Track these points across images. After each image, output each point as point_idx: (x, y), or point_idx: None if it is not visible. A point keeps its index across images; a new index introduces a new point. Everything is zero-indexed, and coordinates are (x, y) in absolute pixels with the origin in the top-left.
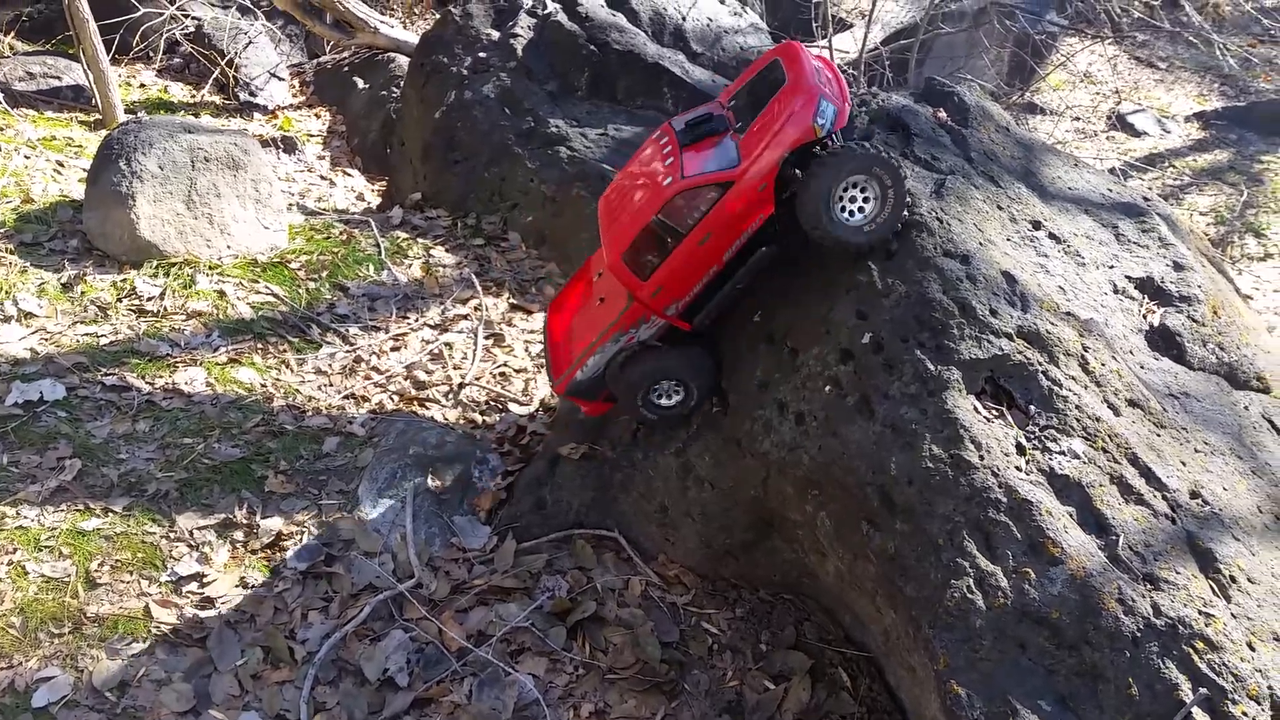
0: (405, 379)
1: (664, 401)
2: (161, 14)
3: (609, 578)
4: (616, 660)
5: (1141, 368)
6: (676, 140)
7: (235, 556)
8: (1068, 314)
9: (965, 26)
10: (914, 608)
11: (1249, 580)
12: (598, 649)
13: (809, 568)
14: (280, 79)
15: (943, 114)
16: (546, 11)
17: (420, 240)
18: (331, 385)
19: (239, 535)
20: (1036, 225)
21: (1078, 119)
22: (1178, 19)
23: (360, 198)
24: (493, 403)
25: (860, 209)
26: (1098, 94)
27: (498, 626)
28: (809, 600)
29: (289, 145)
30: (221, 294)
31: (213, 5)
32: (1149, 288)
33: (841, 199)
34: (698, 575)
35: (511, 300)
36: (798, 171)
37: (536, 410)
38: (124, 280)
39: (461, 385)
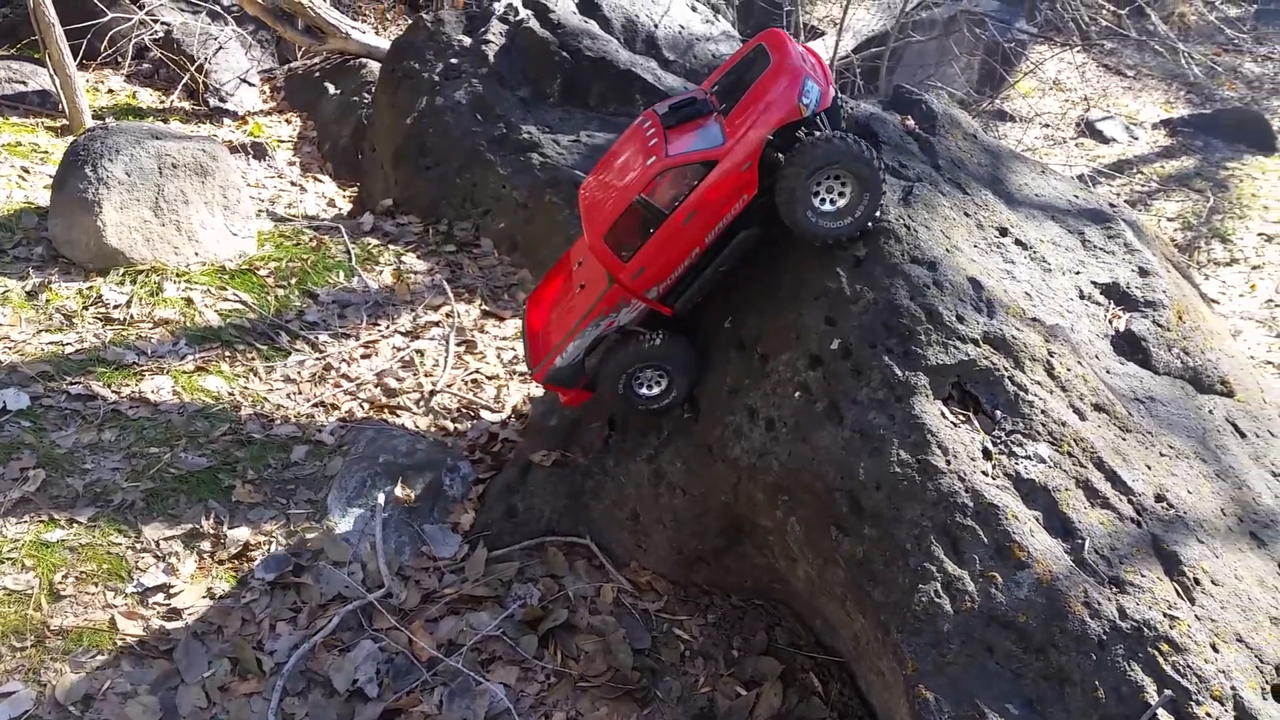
0: (376, 386)
1: (646, 391)
2: (130, 19)
3: (581, 585)
4: (588, 668)
5: (1107, 372)
6: (660, 123)
7: (202, 567)
8: (1034, 320)
9: (936, 35)
10: (882, 612)
11: (1213, 582)
12: (569, 657)
13: (780, 573)
14: (251, 84)
15: (910, 121)
16: (519, 18)
17: (391, 246)
18: (300, 393)
19: (206, 545)
20: (1003, 232)
21: (1047, 126)
22: (1144, 28)
23: (331, 204)
24: (464, 410)
25: (835, 200)
26: (1067, 101)
27: (469, 635)
28: (780, 606)
29: (259, 151)
30: (189, 301)
31: (182, 10)
32: (1115, 293)
33: (818, 190)
34: (670, 581)
35: (484, 307)
36: (780, 155)
37: (509, 417)
38: (90, 288)
39: (433, 392)
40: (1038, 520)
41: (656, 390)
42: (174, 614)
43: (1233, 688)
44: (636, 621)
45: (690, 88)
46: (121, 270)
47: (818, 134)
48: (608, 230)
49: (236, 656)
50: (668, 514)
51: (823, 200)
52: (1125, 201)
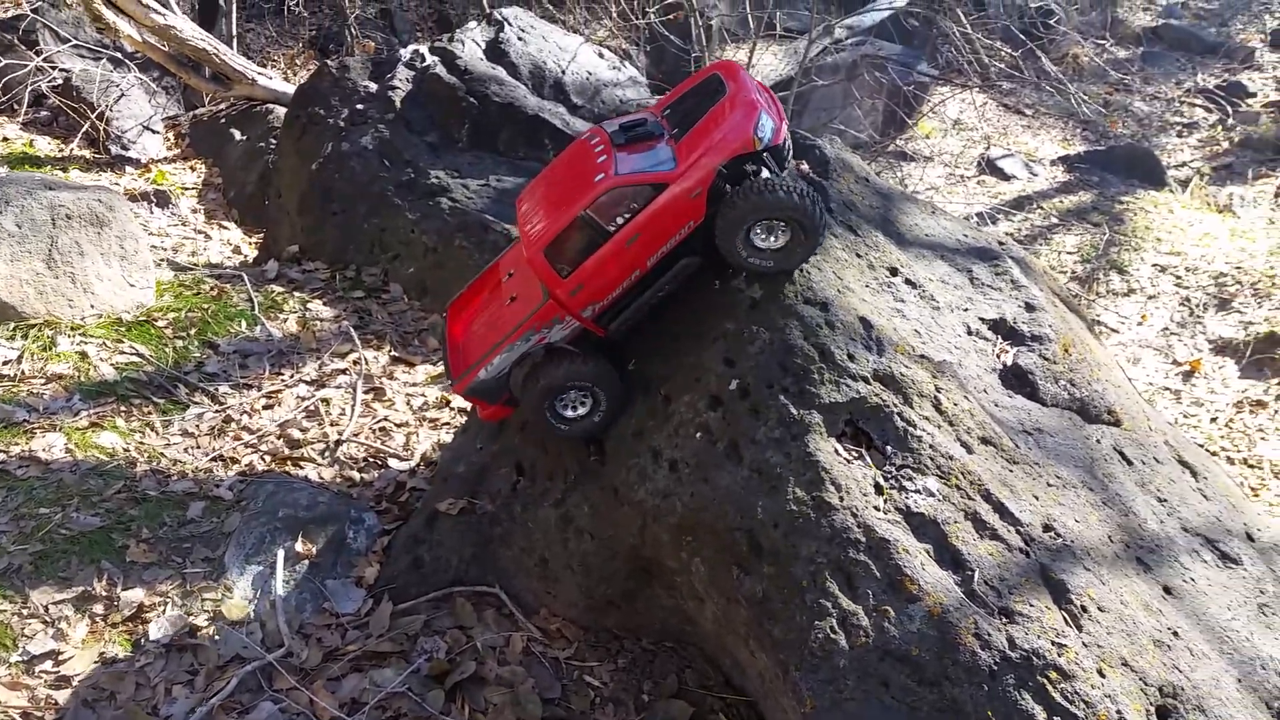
0: (278, 438)
1: (570, 413)
2: (26, 65)
3: (489, 635)
4: None
5: (995, 405)
6: (609, 140)
7: (94, 631)
8: (922, 356)
9: (840, 78)
10: (781, 650)
11: (1099, 609)
12: (477, 710)
13: (689, 615)
14: (154, 131)
15: (804, 166)
16: (425, 64)
17: (297, 294)
18: (199, 447)
19: (98, 608)
20: (894, 271)
21: (949, 165)
22: (1040, 69)
23: (236, 251)
24: (372, 459)
25: (773, 240)
26: (968, 140)
27: (372, 693)
28: (690, 647)
29: (162, 199)
30: (84, 355)
31: (82, 57)
32: (1002, 328)
33: (758, 229)
34: (580, 627)
35: (393, 353)
36: (727, 186)
37: (418, 465)
38: None
39: (339, 442)
40: (928, 553)
41: (580, 412)
42: (63, 682)
43: (1119, 711)
44: (546, 670)
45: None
46: (12, 325)
47: (769, 179)
48: (549, 244)
49: None
50: (576, 559)
51: (762, 238)
52: (1025, 236)
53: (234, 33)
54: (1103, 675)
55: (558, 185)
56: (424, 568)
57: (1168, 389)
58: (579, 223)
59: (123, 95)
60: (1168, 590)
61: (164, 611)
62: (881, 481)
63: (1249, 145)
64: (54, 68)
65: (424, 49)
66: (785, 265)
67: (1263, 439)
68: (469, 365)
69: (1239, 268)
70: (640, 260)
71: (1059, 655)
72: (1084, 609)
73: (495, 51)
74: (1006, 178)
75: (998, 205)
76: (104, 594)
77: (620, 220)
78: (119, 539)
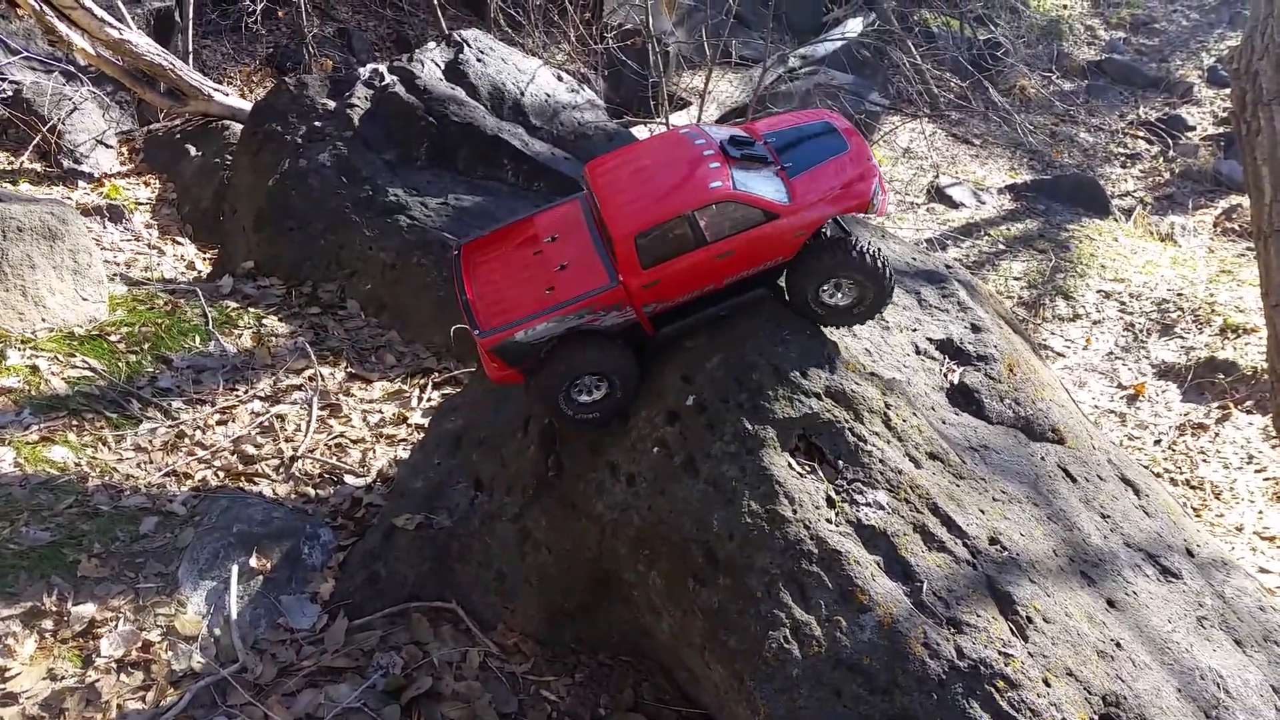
0: (232, 453)
1: (584, 398)
2: None
3: (446, 651)
4: None
5: (943, 422)
6: (722, 151)
7: (43, 647)
8: (872, 374)
9: (794, 106)
10: (737, 660)
11: (1044, 620)
12: None
13: (645, 627)
14: (108, 146)
15: None
16: (384, 83)
17: (252, 309)
18: (152, 462)
19: (48, 624)
20: None
21: (899, 192)
22: (988, 99)
23: (190, 266)
24: (327, 475)
25: (841, 297)
26: (918, 168)
27: (328, 709)
28: (647, 661)
29: (115, 214)
30: (34, 369)
31: (34, 69)
32: (949, 348)
33: (826, 287)
34: (537, 642)
35: (350, 369)
36: (826, 233)
37: (374, 481)
38: None
39: (294, 458)
40: (879, 565)
41: (594, 397)
42: (9, 699)
43: (1064, 719)
44: (503, 685)
45: (558, 155)
46: None
47: (853, 238)
48: (644, 230)
49: None
50: (534, 572)
51: (829, 294)
52: (974, 262)
53: (190, 49)
54: (1048, 684)
55: (657, 173)
56: (380, 583)
57: (1113, 412)
58: (683, 221)
59: (75, 109)
60: (1111, 603)
61: (116, 627)
62: (833, 495)
63: (1189, 176)
64: (4, 79)
65: (383, 68)
66: (851, 321)
67: (1204, 461)
68: (507, 321)
69: (1180, 294)
70: (721, 275)
71: (1006, 665)
72: (1030, 620)
73: (455, 72)
74: (955, 205)
75: (947, 232)
76: (54, 609)
77: (721, 232)
78: (70, 554)
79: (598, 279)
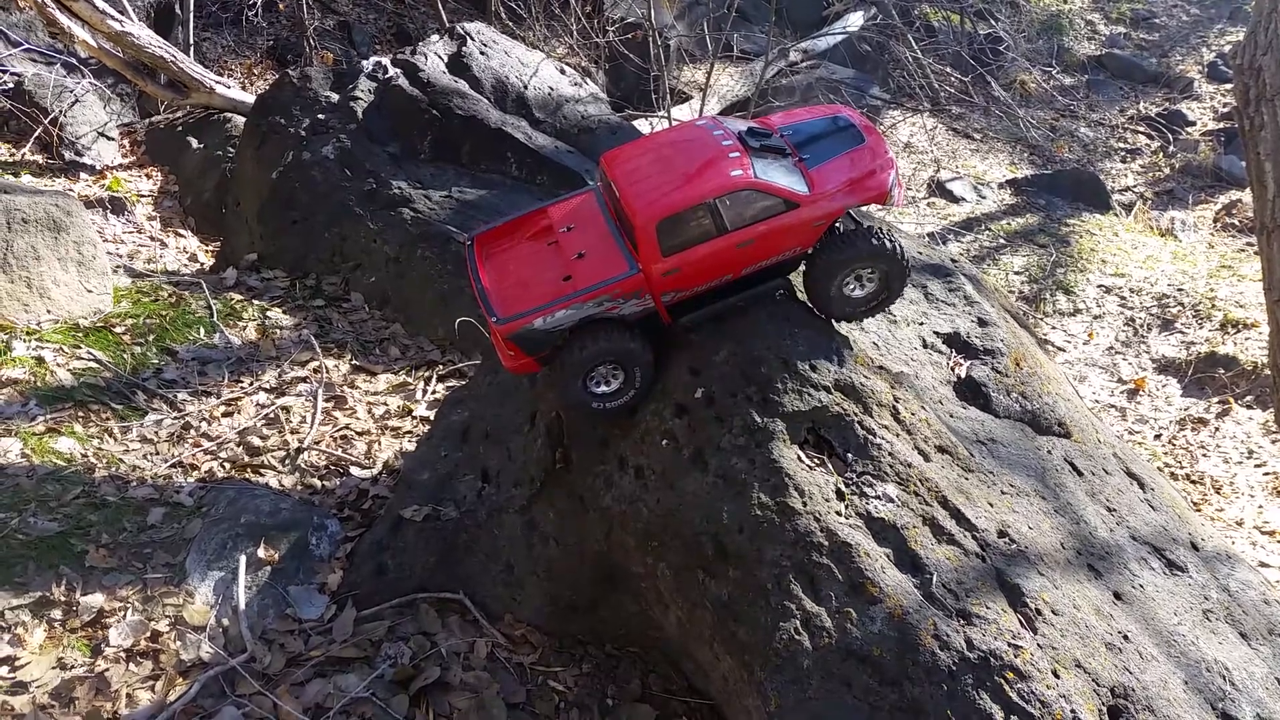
0: (238, 445)
1: (601, 389)
2: None
3: (454, 641)
4: None
5: (951, 416)
6: (741, 141)
7: (52, 636)
8: (880, 368)
9: (795, 101)
10: (746, 652)
11: (1053, 612)
12: (442, 715)
13: (653, 620)
14: (110, 138)
15: None
16: (388, 76)
17: (256, 302)
18: (158, 453)
19: (57, 614)
20: None
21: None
22: (989, 94)
23: (193, 259)
24: (333, 467)
25: (862, 287)
26: (919, 163)
27: (336, 698)
28: (654, 652)
29: (118, 206)
30: (40, 360)
31: (34, 61)
32: (956, 342)
33: (849, 278)
34: (545, 633)
35: (354, 362)
36: (839, 226)
37: (380, 473)
38: None
39: (299, 450)
40: (888, 557)
41: (613, 386)
42: (20, 688)
43: (1073, 710)
44: (511, 676)
45: (560, 148)
46: None
47: (872, 227)
48: (667, 216)
49: None
50: (542, 565)
51: (850, 287)
52: (975, 256)
53: (191, 41)
54: (1057, 676)
55: (677, 162)
56: (388, 574)
57: (1113, 406)
58: (704, 208)
59: (77, 101)
60: (1118, 595)
61: (124, 617)
62: (843, 487)
63: (1189, 172)
64: (5, 71)
65: (386, 61)
66: (861, 316)
67: (1204, 455)
68: (525, 309)
69: (1180, 290)
70: (739, 265)
71: (1015, 656)
72: (1038, 612)
73: (458, 65)
74: (956, 200)
75: (947, 226)
76: (62, 599)
77: (743, 220)
78: (78, 544)
79: (618, 266)
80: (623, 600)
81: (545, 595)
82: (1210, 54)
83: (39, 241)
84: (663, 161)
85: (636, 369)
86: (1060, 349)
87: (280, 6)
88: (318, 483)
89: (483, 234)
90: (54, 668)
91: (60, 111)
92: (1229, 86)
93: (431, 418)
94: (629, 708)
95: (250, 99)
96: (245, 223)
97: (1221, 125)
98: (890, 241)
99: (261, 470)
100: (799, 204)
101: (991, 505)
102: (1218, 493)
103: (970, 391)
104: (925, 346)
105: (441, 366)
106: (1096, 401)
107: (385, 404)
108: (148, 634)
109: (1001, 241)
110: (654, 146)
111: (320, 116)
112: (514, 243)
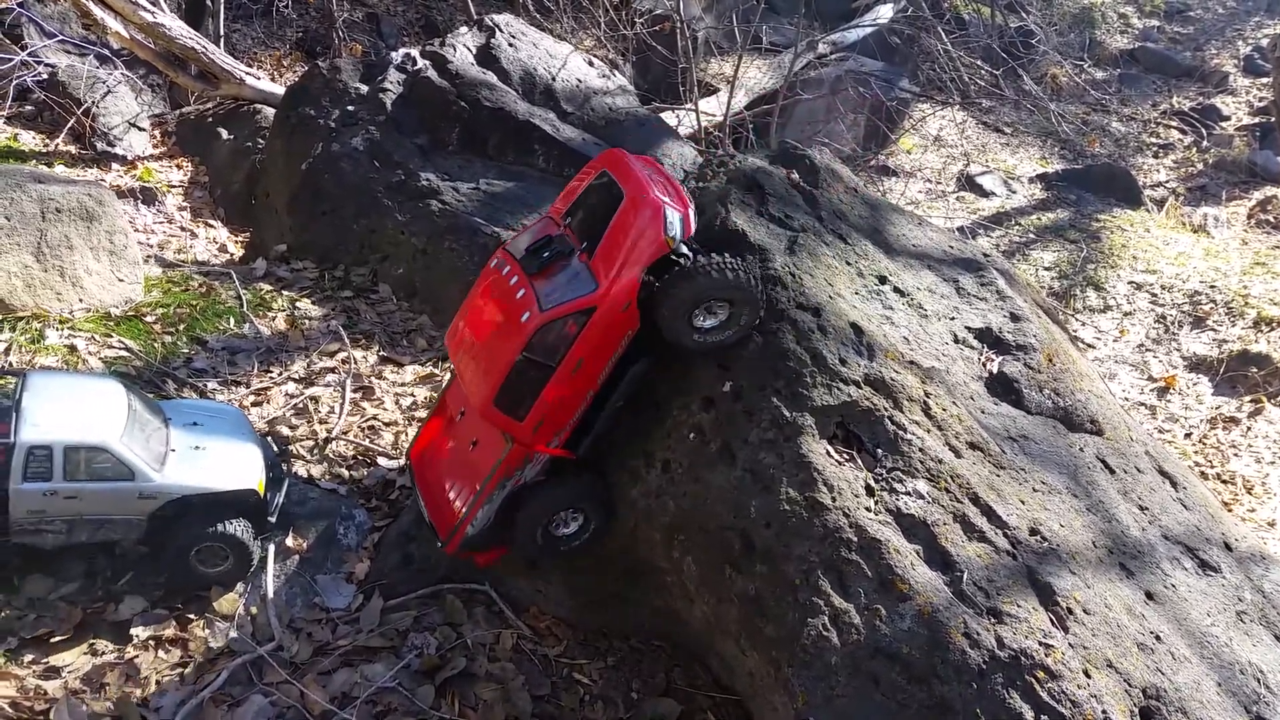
0: (267, 434)
1: (563, 531)
2: (11, 60)
3: (479, 632)
4: (487, 716)
5: (982, 412)
6: (521, 269)
7: (84, 623)
8: (911, 363)
9: (824, 93)
10: (774, 648)
11: (1085, 611)
12: (468, 706)
13: (678, 614)
14: (140, 129)
15: (795, 175)
16: (416, 67)
17: (285, 292)
18: None
19: (89, 600)
20: (882, 280)
21: (929, 180)
22: (1020, 88)
23: (222, 249)
24: (361, 457)
25: (715, 317)
26: (948, 156)
27: (363, 688)
28: (679, 647)
29: (149, 196)
30: (72, 349)
31: (68, 53)
32: (988, 338)
33: (698, 314)
34: (569, 626)
35: (382, 353)
36: (654, 280)
37: (407, 463)
38: None
39: (328, 440)
40: (918, 554)
41: (574, 528)
42: (52, 672)
43: (1104, 711)
44: (536, 667)
45: (588, 140)
46: (0, 317)
47: (692, 266)
48: (496, 394)
49: (119, 715)
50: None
51: (703, 319)
52: (1004, 251)
53: (221, 32)
54: (1089, 676)
55: (483, 327)
56: (414, 564)
57: (1143, 404)
58: (520, 366)
59: (109, 92)
60: (1150, 595)
61: (154, 605)
62: (872, 483)
63: (1223, 167)
64: (39, 63)
65: (415, 52)
66: (737, 334)
67: (1235, 455)
68: (454, 525)
69: (1213, 287)
70: (591, 381)
71: (1046, 655)
72: (1070, 611)
73: (486, 57)
74: (985, 194)
75: (977, 221)
76: (95, 587)
77: (560, 352)
78: None
79: (498, 445)
80: (648, 594)
81: (570, 588)
82: (1246, 47)
83: (72, 231)
84: (472, 331)
85: (587, 507)
86: (1090, 346)
87: None
88: (345, 472)
89: (414, 447)
90: (85, 654)
91: (93, 102)
92: (1265, 80)
93: None
94: (654, 701)
95: (280, 90)
96: (275, 214)
97: (1257, 120)
98: (715, 269)
99: (290, 459)
100: (596, 305)
101: (1023, 503)
102: (1249, 493)
103: (1002, 387)
104: (956, 341)
105: None
106: (1126, 399)
107: (412, 395)
108: (177, 622)
109: (1031, 237)
110: (466, 314)
111: (349, 108)
112: (430, 435)
